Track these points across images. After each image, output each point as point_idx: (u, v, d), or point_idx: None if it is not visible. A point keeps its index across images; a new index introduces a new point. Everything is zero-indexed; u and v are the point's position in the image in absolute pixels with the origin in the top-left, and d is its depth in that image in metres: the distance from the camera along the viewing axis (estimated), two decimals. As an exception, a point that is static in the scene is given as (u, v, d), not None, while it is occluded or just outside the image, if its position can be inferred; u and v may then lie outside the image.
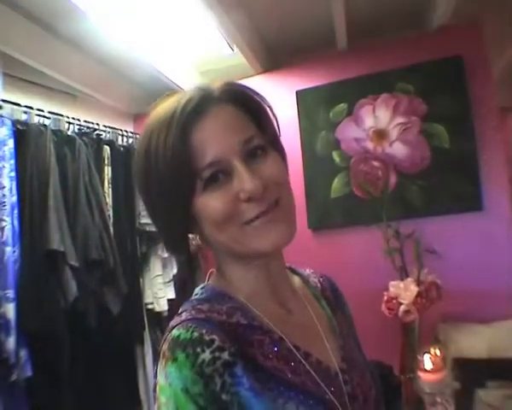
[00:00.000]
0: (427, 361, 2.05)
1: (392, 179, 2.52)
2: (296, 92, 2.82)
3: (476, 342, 2.25)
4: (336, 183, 2.62)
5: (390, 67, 2.62)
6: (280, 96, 2.86)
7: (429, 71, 2.53)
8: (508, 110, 4.14)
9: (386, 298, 2.18)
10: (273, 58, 2.94)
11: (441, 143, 2.47)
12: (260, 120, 0.77)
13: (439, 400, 1.92)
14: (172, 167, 0.68)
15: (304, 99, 2.79)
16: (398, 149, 2.54)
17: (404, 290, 2.13)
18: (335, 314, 0.90)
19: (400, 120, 2.56)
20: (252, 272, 0.78)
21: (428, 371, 1.93)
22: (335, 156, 2.66)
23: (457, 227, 2.47)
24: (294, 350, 0.72)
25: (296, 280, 0.91)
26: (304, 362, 0.72)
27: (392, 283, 2.19)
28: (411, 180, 2.49)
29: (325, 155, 2.68)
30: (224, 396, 0.61)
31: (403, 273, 2.22)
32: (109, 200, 2.48)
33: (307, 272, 0.98)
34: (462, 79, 2.47)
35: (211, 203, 0.70)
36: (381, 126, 2.59)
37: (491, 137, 2.48)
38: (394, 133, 2.56)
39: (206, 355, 0.62)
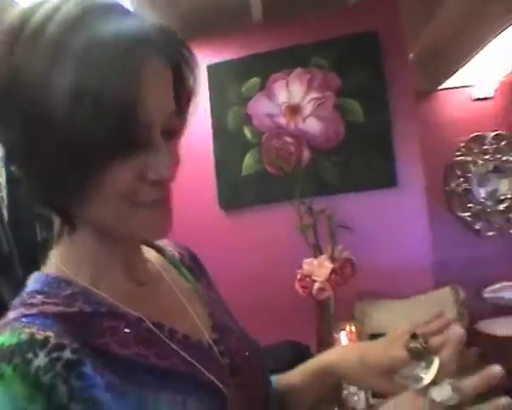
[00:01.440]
0: (344, 338, 2.01)
1: (306, 155, 2.44)
2: (207, 66, 2.66)
3: (391, 317, 2.23)
4: (248, 159, 2.50)
5: (305, 41, 2.54)
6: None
7: (344, 46, 2.48)
8: (423, 94, 4.22)
9: (299, 276, 2.10)
10: (185, 31, 2.76)
11: (356, 118, 2.43)
12: (183, 94, 0.66)
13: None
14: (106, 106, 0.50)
15: (215, 73, 2.64)
16: (312, 125, 2.47)
17: (318, 268, 2.06)
18: (200, 282, 0.82)
19: (314, 95, 2.48)
20: (108, 248, 0.65)
21: (344, 349, 1.89)
22: (247, 132, 2.54)
23: (372, 203, 2.44)
24: (156, 330, 0.62)
25: (151, 252, 0.79)
26: (168, 341, 0.63)
27: (306, 260, 2.12)
28: (325, 156, 2.43)
29: (236, 131, 2.55)
30: (74, 407, 0.48)
31: (317, 251, 2.16)
32: (2, 179, 2.21)
33: (163, 241, 0.86)
34: (377, 54, 2.44)
35: (118, 174, 0.55)
36: (295, 102, 2.50)
37: (405, 114, 2.47)
38: (308, 108, 2.48)
39: (41, 360, 0.48)
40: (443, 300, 2.36)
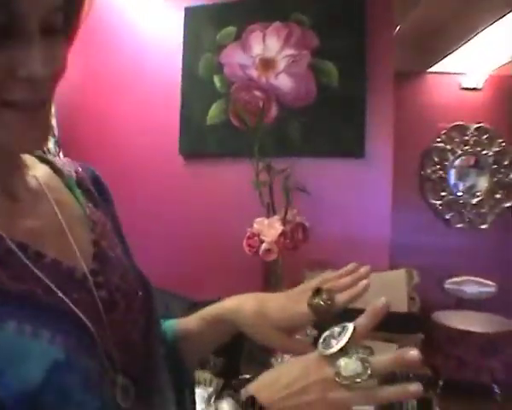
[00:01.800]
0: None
1: (273, 112, 2.34)
2: (185, 8, 2.53)
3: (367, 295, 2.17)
4: (214, 109, 2.38)
5: (287, -6, 2.41)
6: (167, 11, 2.57)
7: (328, 5, 2.34)
8: (410, 74, 4.12)
9: (248, 234, 2.01)
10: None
11: (330, 81, 2.31)
12: None
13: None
14: None
15: (192, 16, 2.50)
16: (284, 82, 2.35)
17: (268, 228, 1.97)
18: (97, 208, 0.74)
19: (290, 51, 2.36)
20: None
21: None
22: (216, 81, 2.41)
23: (335, 172, 2.35)
24: (17, 250, 0.55)
25: (43, 169, 0.70)
26: (31, 265, 0.55)
27: (257, 219, 2.03)
28: (293, 115, 2.32)
29: (206, 79, 2.43)
30: None
31: (270, 211, 2.07)
32: None
33: (63, 161, 0.78)
34: (361, 20, 2.31)
35: None
36: (269, 56, 2.38)
37: (382, 86, 2.37)
38: (282, 64, 2.37)
39: None
40: (396, 281, 2.29)
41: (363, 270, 0.74)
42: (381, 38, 2.38)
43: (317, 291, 0.69)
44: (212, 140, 2.38)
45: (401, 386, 0.54)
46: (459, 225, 4.30)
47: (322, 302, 0.68)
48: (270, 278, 2.09)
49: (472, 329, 3.76)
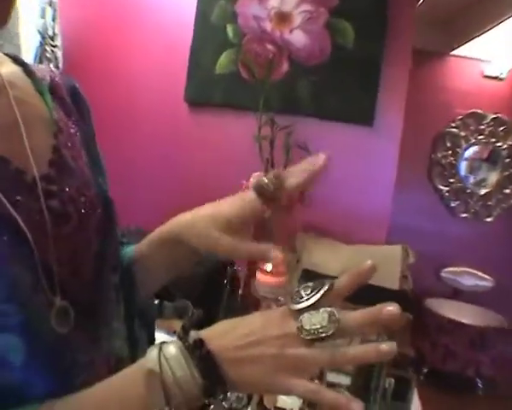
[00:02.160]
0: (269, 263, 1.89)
1: (284, 67, 2.25)
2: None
3: (331, 258, 2.12)
4: (224, 58, 2.30)
5: None
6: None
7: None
8: (434, 55, 4.01)
9: (243, 187, 1.95)
10: None
11: (346, 42, 2.23)
12: None
13: (274, 306, 1.79)
14: None
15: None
16: (298, 38, 2.26)
17: (264, 183, 1.91)
18: (69, 117, 0.69)
19: (307, 7, 2.27)
20: None
21: (268, 273, 1.79)
22: (229, 30, 2.33)
23: (342, 137, 2.28)
24: None
25: (11, 67, 0.65)
26: None
27: (255, 174, 1.97)
28: (303, 73, 2.24)
29: (219, 27, 2.34)
30: None
31: (269, 167, 2.01)
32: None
33: (41, 66, 0.73)
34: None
35: None
36: (285, 9, 2.29)
37: (399, 56, 2.28)
38: (297, 20, 2.27)
39: None
40: (390, 256, 2.23)
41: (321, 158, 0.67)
42: (403, 6, 2.28)
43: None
44: (219, 90, 2.31)
45: (372, 345, 0.49)
46: (463, 215, 4.22)
47: (267, 181, 0.63)
48: (261, 232, 2.04)
49: (463, 320, 3.72)
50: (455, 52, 4.02)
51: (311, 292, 0.51)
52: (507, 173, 4.16)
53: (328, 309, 0.49)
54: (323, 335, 0.48)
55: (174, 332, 1.75)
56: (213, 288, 1.82)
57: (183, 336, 0.53)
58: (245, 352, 0.51)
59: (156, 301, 1.72)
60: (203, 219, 0.67)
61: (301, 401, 1.33)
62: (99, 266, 0.63)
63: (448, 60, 4.13)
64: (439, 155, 4.14)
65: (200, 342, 0.51)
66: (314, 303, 0.50)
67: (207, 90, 2.33)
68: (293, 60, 2.26)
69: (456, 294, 4.17)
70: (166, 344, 0.52)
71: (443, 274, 4.16)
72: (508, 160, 4.14)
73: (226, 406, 1.26)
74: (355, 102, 2.22)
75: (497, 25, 3.31)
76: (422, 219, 4.10)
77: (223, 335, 0.53)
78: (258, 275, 1.79)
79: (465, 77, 4.16)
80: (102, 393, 0.53)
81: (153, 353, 0.52)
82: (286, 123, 2.03)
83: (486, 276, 4.07)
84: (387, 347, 0.48)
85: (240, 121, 2.29)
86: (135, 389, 0.51)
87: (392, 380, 1.44)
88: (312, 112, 2.24)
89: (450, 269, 4.14)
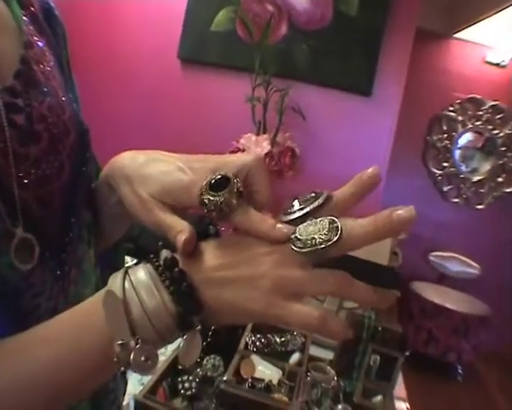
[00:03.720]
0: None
1: (283, 30, 2.18)
2: None
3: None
4: (221, 15, 2.22)
5: None
6: None
7: None
8: (436, 37, 3.93)
9: (233, 148, 1.90)
10: None
11: (348, 9, 2.15)
12: None
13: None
14: None
15: None
16: (299, 1, 2.18)
17: (255, 145, 1.86)
18: (41, 35, 0.60)
19: (312, -31, 2.19)
20: None
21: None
22: (229, -14, 2.25)
23: (339, 105, 2.21)
24: None
25: None
26: None
27: (246, 135, 1.91)
28: (302, 37, 2.16)
29: (218, -18, 2.26)
30: None
31: (261, 129, 1.95)
32: None
33: None
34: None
35: None
36: (289, -30, 2.21)
37: (402, 27, 2.21)
38: (300, -18, 2.19)
39: None
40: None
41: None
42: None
43: (222, 182, 0.46)
44: (214, 48, 2.23)
45: (379, 289, 0.43)
46: (455, 200, 4.19)
47: (217, 202, 0.45)
48: (248, 200, 1.99)
49: (448, 306, 3.70)
50: (458, 35, 3.95)
51: (306, 202, 0.44)
52: (501, 162, 4.12)
53: (328, 217, 0.41)
54: (323, 246, 0.39)
55: None
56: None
57: (153, 256, 0.45)
58: (227, 272, 0.43)
59: (134, 261, 1.66)
60: (140, 180, 0.52)
61: (281, 372, 1.28)
62: (70, 199, 0.56)
63: (450, 42, 4.06)
64: (435, 137, 4.08)
65: (172, 262, 0.43)
66: (309, 212, 0.42)
67: (202, 47, 2.25)
68: (292, 23, 2.18)
69: (443, 279, 4.16)
70: (133, 268, 0.45)
71: (430, 258, 4.13)
72: (503, 148, 4.09)
73: (201, 373, 1.21)
74: (354, 71, 2.16)
75: (500, 10, 3.25)
76: (413, 200, 4.04)
77: (201, 253, 0.45)
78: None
79: (466, 61, 4.09)
80: (54, 328, 0.45)
81: (117, 279, 0.44)
82: (281, 86, 1.97)
83: (474, 263, 4.06)
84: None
85: (234, 81, 2.22)
86: (93, 320, 0.44)
87: (378, 357, 1.39)
88: (309, 77, 2.16)
89: (438, 254, 4.12)
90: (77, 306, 0.46)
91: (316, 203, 0.43)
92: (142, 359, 0.42)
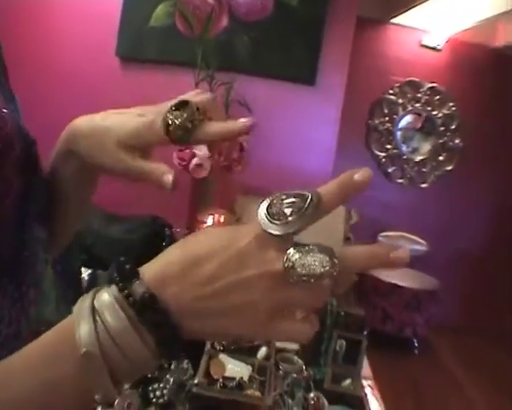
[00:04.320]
0: (210, 224, 1.83)
1: (223, 22, 2.16)
2: None
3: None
4: (160, 9, 2.17)
5: None
6: None
7: None
8: (373, 23, 3.99)
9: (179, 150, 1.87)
10: None
11: (288, -1, 2.16)
12: None
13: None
14: None
15: None
16: (239, -8, 2.17)
17: (202, 141, 1.83)
18: None
19: (249, -40, 2.17)
20: None
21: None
22: (166, -20, 2.20)
23: (283, 96, 2.22)
24: None
25: None
26: None
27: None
28: (244, 29, 2.15)
29: (155, -24, 2.21)
30: None
31: (206, 125, 1.93)
32: None
33: None
34: None
35: None
36: (226, -39, 2.19)
37: (343, 14, 2.23)
38: (239, -27, 2.18)
39: None
40: (333, 217, 2.21)
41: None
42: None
43: (182, 105, 0.50)
44: (154, 44, 2.19)
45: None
46: (399, 181, 4.30)
47: (181, 119, 0.48)
48: (199, 198, 1.97)
49: (399, 283, 3.81)
50: (395, 20, 4.04)
51: (293, 208, 0.39)
52: (441, 141, 4.25)
53: (324, 248, 0.38)
54: (319, 280, 0.37)
55: None
56: (151, 253, 1.71)
57: (121, 284, 0.39)
58: (214, 302, 0.38)
59: (89, 271, 1.61)
60: (92, 128, 0.54)
61: (250, 368, 1.28)
62: (21, 217, 0.53)
63: (388, 28, 4.14)
64: (377, 121, 4.17)
65: (151, 299, 0.38)
66: (300, 227, 0.38)
67: (141, 43, 2.20)
68: (233, 15, 2.16)
69: (392, 258, 4.26)
70: (102, 305, 0.39)
71: (380, 238, 4.24)
72: (442, 128, 4.23)
73: (172, 379, 1.19)
74: (297, 61, 2.17)
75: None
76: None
77: (180, 277, 0.39)
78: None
79: (404, 45, 4.19)
80: (18, 367, 0.40)
81: (85, 326, 0.38)
82: (225, 80, 1.95)
83: (421, 240, 4.19)
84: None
85: (176, 77, 2.18)
86: (66, 367, 0.38)
87: (344, 342, 1.41)
88: (252, 69, 2.16)
89: (387, 234, 4.23)
90: (42, 340, 0.40)
91: (308, 214, 0.38)
92: (125, 405, 0.40)
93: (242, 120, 0.49)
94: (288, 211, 0.39)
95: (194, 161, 1.82)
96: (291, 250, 0.37)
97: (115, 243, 1.73)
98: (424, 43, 4.16)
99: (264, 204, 0.40)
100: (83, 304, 0.40)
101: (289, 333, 0.40)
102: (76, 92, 2.26)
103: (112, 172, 0.53)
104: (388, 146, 4.19)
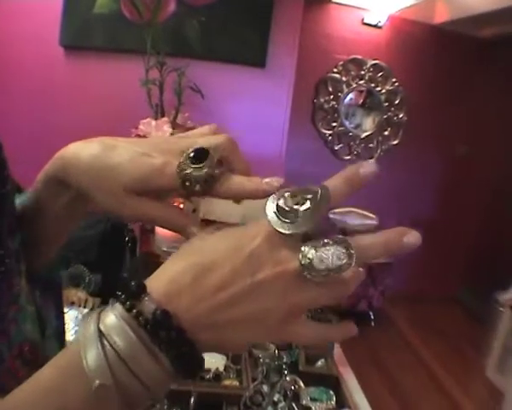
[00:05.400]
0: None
1: (171, 7, 2.13)
2: None
3: (230, 206, 2.08)
4: (103, -4, 2.12)
5: None
6: None
7: None
8: (314, 3, 4.01)
9: (133, 136, 1.83)
10: None
11: (235, -19, 2.15)
12: None
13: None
14: None
15: None
16: (184, -25, 2.14)
17: (156, 130, 1.81)
18: None
19: None
20: None
21: (166, 227, 1.71)
22: (108, -35, 2.14)
23: (234, 79, 2.23)
24: None
25: None
26: None
27: (144, 121, 1.85)
28: (192, 13, 2.13)
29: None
30: None
31: (158, 112, 1.90)
32: None
33: None
34: None
35: None
36: None
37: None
38: (183, -44, 2.14)
39: None
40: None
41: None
42: None
43: (200, 154, 0.42)
44: (99, 32, 2.13)
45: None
46: (347, 157, 4.38)
47: (200, 173, 0.41)
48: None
49: (352, 258, 3.90)
50: (337, 0, 4.08)
51: (303, 204, 0.37)
52: (386, 117, 4.35)
53: (340, 240, 0.36)
54: (338, 273, 0.36)
55: (72, 303, 1.60)
56: (111, 249, 1.67)
57: (128, 302, 0.36)
58: (226, 313, 0.36)
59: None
60: (94, 163, 0.46)
61: (225, 358, 1.28)
62: None
63: (330, 7, 4.17)
64: (322, 99, 4.21)
65: (163, 317, 0.35)
66: (312, 224, 0.36)
67: (86, 32, 2.14)
68: (180, -1, 2.13)
69: (344, 233, 4.26)
70: (109, 328, 0.35)
71: (330, 215, 4.31)
72: (386, 104, 4.32)
73: None
74: (246, 44, 2.17)
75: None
76: (309, 163, 4.19)
77: (190, 288, 0.36)
78: (157, 229, 1.71)
79: (346, 24, 4.23)
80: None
81: (92, 352, 0.35)
82: (176, 66, 1.93)
83: (371, 215, 4.29)
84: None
85: (124, 66, 2.14)
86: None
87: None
88: (203, 54, 2.15)
89: (337, 210, 4.30)
90: (42, 375, 0.37)
91: (319, 210, 0.37)
92: None
93: (269, 179, 0.42)
94: (298, 208, 0.37)
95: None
96: (305, 247, 0.36)
97: (75, 241, 1.69)
98: (366, 21, 4.22)
99: (273, 202, 0.38)
100: (87, 329, 0.36)
101: (305, 338, 0.39)
102: (21, 87, 2.17)
103: (119, 216, 0.46)
104: (334, 124, 4.24)
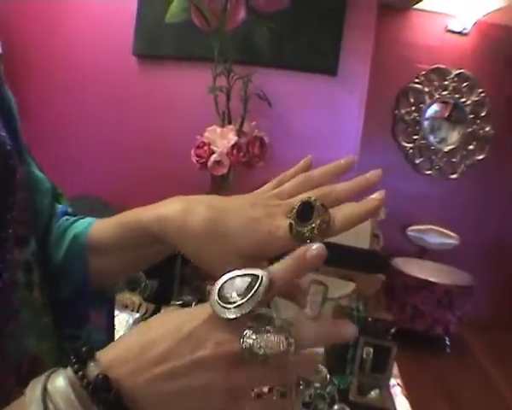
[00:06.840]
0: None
1: (241, 15, 2.08)
2: None
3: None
4: (175, 6, 2.11)
5: None
6: None
7: None
8: (396, 10, 3.88)
9: (198, 143, 1.81)
10: None
11: (306, -13, 2.08)
12: None
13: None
14: None
15: None
16: (255, -18, 2.10)
17: (220, 138, 1.77)
18: None
19: (265, -52, 2.10)
20: None
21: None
22: (180, -25, 2.14)
23: (305, 88, 2.14)
24: None
25: None
26: None
27: (210, 128, 1.83)
28: (262, 20, 2.07)
29: (169, -29, 2.15)
30: None
31: (225, 120, 1.87)
32: None
33: None
34: None
35: None
36: (242, -48, 2.11)
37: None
38: (255, -37, 2.11)
39: None
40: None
41: (371, 174, 0.51)
42: None
43: (306, 209, 0.44)
44: (170, 41, 2.13)
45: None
46: (428, 172, 4.17)
47: (311, 228, 0.43)
48: (218, 192, 1.91)
49: (430, 279, 3.69)
50: (418, 6, 3.91)
51: (244, 289, 0.38)
52: (470, 130, 4.11)
53: (280, 327, 0.37)
54: (276, 359, 0.37)
55: (126, 307, 1.61)
56: (169, 257, 1.65)
57: (77, 365, 0.37)
58: (172, 383, 0.37)
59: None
60: (207, 233, 0.48)
61: None
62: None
63: (411, 14, 4.02)
64: (403, 111, 4.05)
65: (103, 380, 0.37)
66: (252, 309, 0.38)
67: (157, 41, 2.15)
68: (250, 6, 2.09)
69: (423, 252, 4.15)
70: (55, 389, 0.37)
71: (409, 233, 4.12)
72: (471, 116, 4.09)
73: None
74: (317, 51, 2.08)
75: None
76: (387, 176, 4.00)
77: (133, 359, 0.38)
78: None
79: (428, 32, 4.06)
80: None
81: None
82: (243, 73, 1.89)
83: (452, 233, 4.06)
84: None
85: (193, 73, 2.13)
86: None
87: (371, 350, 1.33)
88: (272, 61, 2.08)
89: (416, 227, 4.11)
90: None
91: (257, 297, 0.38)
92: None
93: (374, 195, 0.46)
94: (238, 293, 0.38)
95: (213, 157, 1.77)
96: (247, 332, 0.37)
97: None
98: (450, 28, 4.02)
99: (216, 287, 0.39)
100: (35, 387, 0.37)
101: None
102: (96, 97, 2.22)
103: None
104: (415, 136, 4.07)
